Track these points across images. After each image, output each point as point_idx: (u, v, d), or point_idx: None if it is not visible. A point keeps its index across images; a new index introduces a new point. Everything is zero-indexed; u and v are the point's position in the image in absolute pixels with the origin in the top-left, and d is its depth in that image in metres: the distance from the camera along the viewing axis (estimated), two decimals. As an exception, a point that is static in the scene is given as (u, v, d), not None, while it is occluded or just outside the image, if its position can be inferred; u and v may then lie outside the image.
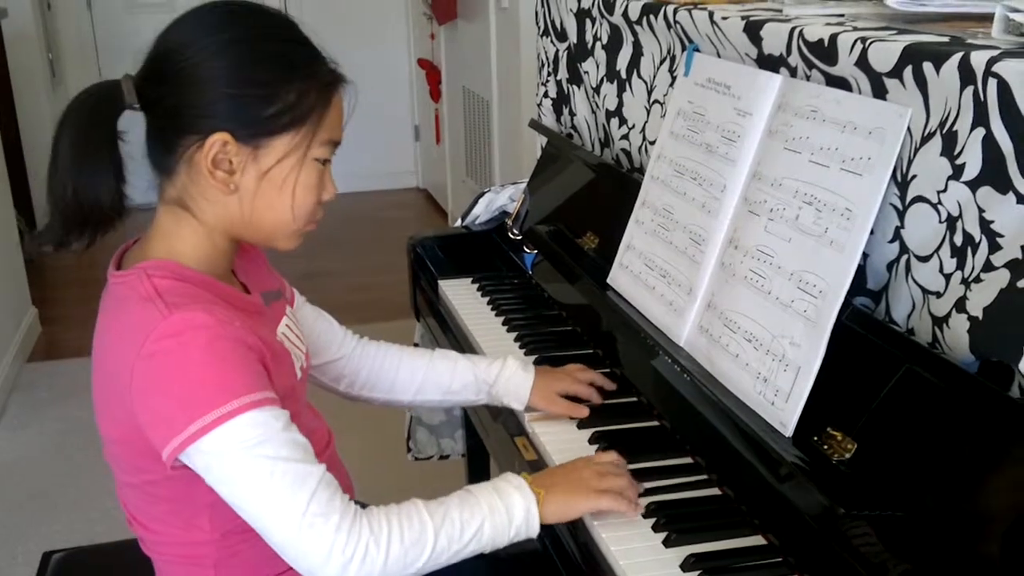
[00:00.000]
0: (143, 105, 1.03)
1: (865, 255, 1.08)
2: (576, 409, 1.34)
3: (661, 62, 1.57)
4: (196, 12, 1.04)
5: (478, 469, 2.05)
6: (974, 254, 0.95)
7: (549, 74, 2.02)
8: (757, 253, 1.17)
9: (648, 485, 1.16)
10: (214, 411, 0.95)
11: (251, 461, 0.97)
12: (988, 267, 0.93)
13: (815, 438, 1.04)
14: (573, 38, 1.89)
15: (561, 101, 1.99)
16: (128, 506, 1.14)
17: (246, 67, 1.02)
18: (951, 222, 0.98)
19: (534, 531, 1.09)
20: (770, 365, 1.11)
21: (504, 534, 1.07)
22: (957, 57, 0.94)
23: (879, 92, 1.06)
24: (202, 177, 1.03)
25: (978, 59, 0.92)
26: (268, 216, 1.06)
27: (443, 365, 1.38)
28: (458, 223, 2.06)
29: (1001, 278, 0.91)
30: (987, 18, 1.06)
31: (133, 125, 1.05)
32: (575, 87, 1.92)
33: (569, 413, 1.34)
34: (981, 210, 0.94)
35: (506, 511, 1.07)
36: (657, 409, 1.33)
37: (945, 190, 0.98)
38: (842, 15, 1.28)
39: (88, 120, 1.01)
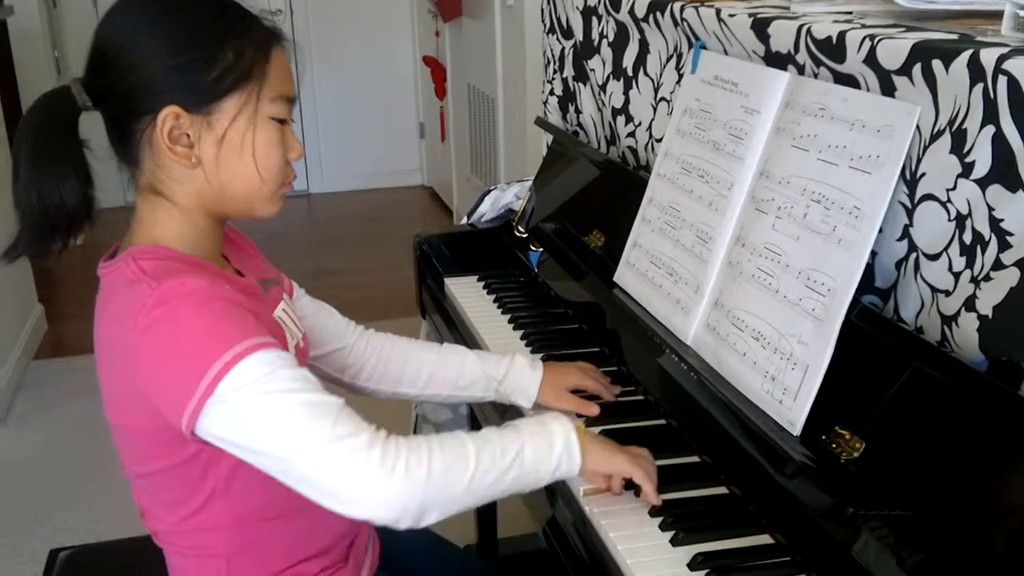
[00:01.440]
0: (95, 102, 1.04)
1: (873, 253, 1.07)
2: (586, 406, 1.33)
3: (668, 59, 1.57)
4: (123, 1, 1.05)
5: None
6: (983, 252, 0.95)
7: (555, 72, 2.02)
8: (765, 251, 1.17)
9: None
10: (218, 361, 0.95)
11: (265, 398, 0.96)
12: (998, 265, 0.92)
13: (823, 437, 1.03)
14: (579, 36, 1.88)
15: (567, 99, 1.99)
16: (141, 499, 1.14)
17: (179, 37, 1.02)
18: (960, 220, 0.98)
19: (575, 464, 1.08)
20: (778, 364, 1.11)
21: (545, 461, 1.06)
22: (967, 55, 0.94)
23: (888, 90, 1.06)
24: (164, 157, 1.03)
25: (988, 57, 0.91)
26: (237, 182, 1.06)
27: (452, 359, 1.37)
28: (464, 221, 2.06)
29: (1011, 277, 0.90)
30: (996, 15, 1.06)
31: (94, 132, 1.06)
32: (581, 85, 1.91)
33: (579, 409, 1.33)
34: (991, 208, 0.93)
35: (547, 436, 1.06)
36: (664, 408, 1.32)
37: (954, 188, 0.98)
38: (850, 12, 1.27)
39: (43, 126, 1.02)
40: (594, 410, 1.33)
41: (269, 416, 0.96)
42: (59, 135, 1.02)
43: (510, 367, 1.35)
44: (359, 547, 1.22)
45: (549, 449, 1.06)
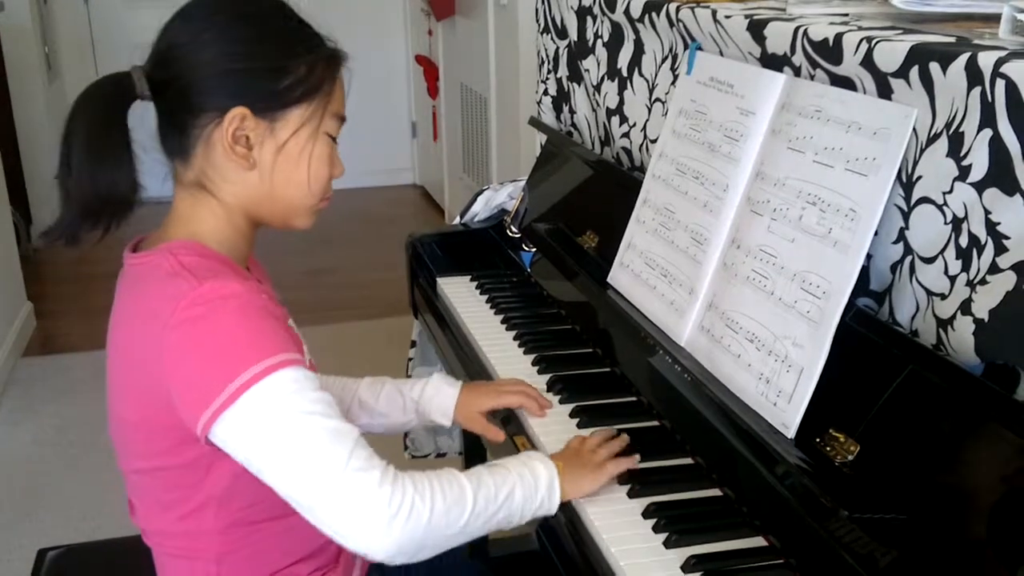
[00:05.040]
0: (154, 93, 1.05)
1: (869, 256, 1.07)
2: (492, 431, 1.35)
3: (663, 60, 1.57)
4: (197, 2, 1.07)
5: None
6: (980, 256, 0.94)
7: (549, 71, 2.02)
8: (760, 253, 1.17)
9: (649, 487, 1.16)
10: (250, 369, 0.95)
11: (288, 417, 0.96)
12: (994, 269, 0.92)
13: (818, 440, 1.03)
14: (574, 35, 1.88)
15: (561, 99, 1.99)
16: (133, 494, 1.14)
17: (255, 43, 1.05)
18: (956, 224, 0.98)
19: (555, 505, 1.11)
20: (772, 366, 1.10)
21: (532, 501, 1.09)
22: (964, 57, 0.94)
23: (884, 92, 1.06)
24: (220, 155, 1.05)
25: (986, 60, 0.91)
26: (287, 190, 1.09)
27: (369, 387, 1.38)
28: (456, 221, 2.05)
29: (1007, 280, 0.90)
30: (994, 18, 1.06)
31: (134, 121, 1.06)
32: (575, 85, 1.91)
33: (485, 433, 1.35)
34: (987, 212, 0.93)
35: (533, 478, 1.10)
36: (657, 409, 1.32)
37: (951, 191, 0.98)
38: (846, 14, 1.27)
39: (102, 112, 1.02)
40: (499, 437, 1.34)
41: (288, 436, 0.96)
42: (117, 121, 1.03)
43: (426, 386, 1.37)
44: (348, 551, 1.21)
45: (535, 491, 1.10)
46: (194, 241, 1.06)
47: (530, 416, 1.35)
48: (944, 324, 0.98)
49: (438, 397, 1.36)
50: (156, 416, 1.02)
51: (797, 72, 1.21)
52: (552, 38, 1.98)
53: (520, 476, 1.09)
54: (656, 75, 1.59)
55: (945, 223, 0.99)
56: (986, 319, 0.92)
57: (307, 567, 1.15)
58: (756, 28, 1.27)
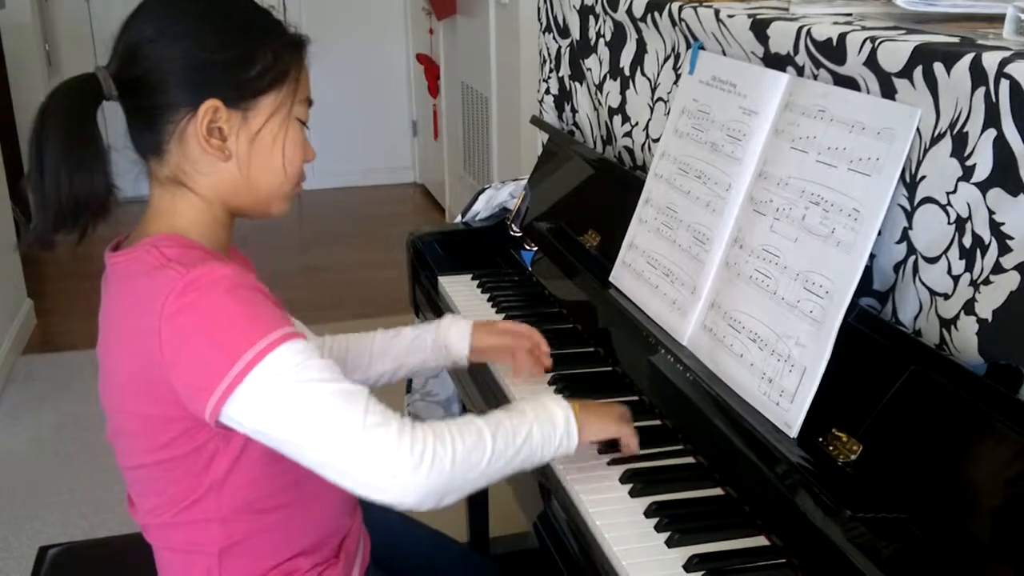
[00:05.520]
0: (121, 92, 1.05)
1: (872, 256, 1.07)
2: (517, 336, 1.39)
3: (665, 60, 1.57)
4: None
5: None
6: (983, 256, 0.94)
7: (551, 71, 2.02)
8: (763, 253, 1.17)
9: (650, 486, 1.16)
10: (252, 348, 0.96)
11: (299, 387, 0.97)
12: (998, 269, 0.92)
13: (820, 439, 1.03)
14: (576, 35, 1.88)
15: (563, 98, 1.98)
16: (133, 491, 1.14)
17: (219, 34, 1.06)
18: (960, 223, 0.98)
19: (574, 442, 1.13)
20: (775, 365, 1.10)
21: (551, 441, 1.11)
22: (968, 58, 0.94)
23: (888, 92, 1.06)
24: (194, 149, 1.05)
25: (990, 60, 0.91)
26: (263, 178, 1.10)
27: (385, 334, 1.41)
28: (458, 219, 2.05)
29: (1011, 280, 0.90)
30: (998, 19, 1.06)
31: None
32: (577, 84, 1.91)
33: (500, 355, 1.41)
34: (991, 212, 0.93)
35: (550, 417, 1.11)
36: (659, 409, 1.32)
37: (954, 191, 0.98)
38: (850, 14, 1.27)
39: (72, 114, 1.02)
40: (510, 359, 1.40)
41: (303, 405, 0.98)
42: (86, 123, 1.03)
43: (440, 321, 1.41)
44: (350, 543, 1.21)
45: (553, 430, 1.11)
46: (175, 234, 1.06)
47: None
48: (947, 324, 0.98)
49: (454, 327, 1.39)
50: (158, 410, 1.02)
51: (800, 72, 1.21)
52: (554, 37, 1.98)
53: (537, 417, 1.10)
54: (658, 74, 1.59)
55: (949, 223, 0.99)
56: (989, 319, 0.92)
57: (307, 562, 1.15)
58: (759, 28, 1.27)
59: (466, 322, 1.41)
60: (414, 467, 0.98)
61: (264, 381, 0.96)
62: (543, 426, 1.10)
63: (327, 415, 0.97)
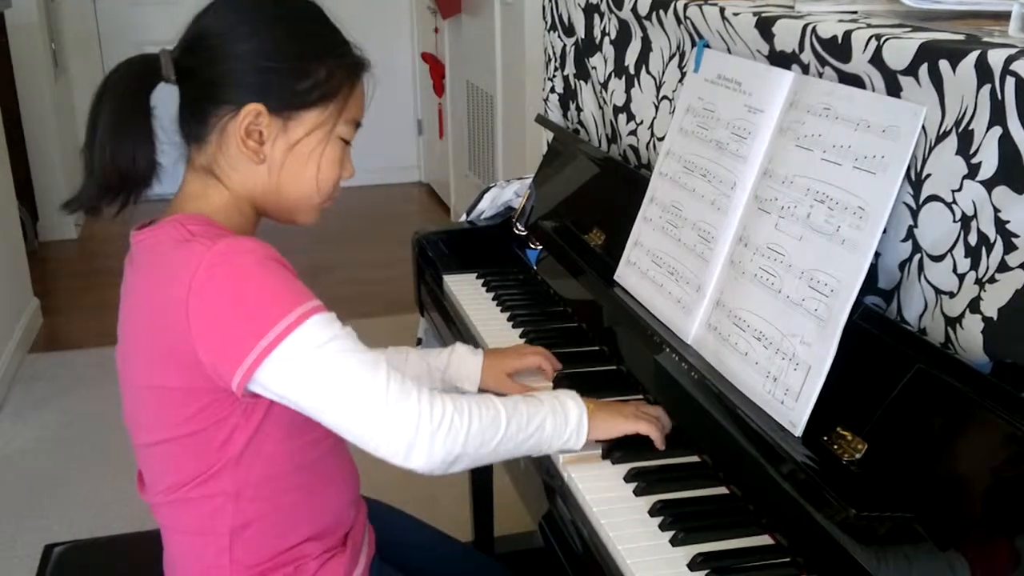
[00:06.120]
0: (179, 77, 1.08)
1: (877, 254, 1.07)
2: (520, 390, 1.38)
3: (670, 58, 1.57)
4: None
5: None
6: (989, 254, 0.94)
7: (556, 69, 2.02)
8: (767, 251, 1.17)
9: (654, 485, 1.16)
10: (282, 321, 1.00)
11: (328, 357, 1.02)
12: (1003, 267, 0.92)
13: (825, 438, 1.03)
14: (581, 33, 1.88)
15: (568, 96, 1.98)
16: (146, 469, 1.15)
17: (281, 43, 1.09)
18: (966, 222, 0.97)
19: (582, 440, 1.17)
20: (780, 364, 1.10)
21: (560, 435, 1.16)
22: (974, 55, 0.93)
23: (893, 90, 1.05)
24: (232, 146, 1.09)
25: (996, 58, 0.91)
26: (293, 188, 1.12)
27: (394, 358, 1.42)
28: (463, 218, 2.05)
29: (1016, 279, 0.90)
30: (1003, 16, 1.06)
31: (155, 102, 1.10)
32: (582, 82, 1.91)
33: (514, 394, 1.36)
34: (996, 210, 0.93)
35: (564, 413, 1.16)
36: (664, 407, 1.32)
37: (960, 189, 0.97)
38: (855, 12, 1.27)
39: (128, 90, 1.06)
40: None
41: (329, 375, 1.02)
42: (140, 99, 1.07)
43: (451, 355, 1.42)
44: (356, 533, 1.23)
45: (565, 425, 1.16)
46: (201, 215, 1.09)
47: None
48: (952, 322, 0.98)
49: (464, 365, 1.42)
50: (182, 382, 1.04)
51: (805, 70, 1.20)
52: (559, 35, 1.98)
53: (552, 410, 1.15)
54: (663, 73, 1.59)
55: (954, 221, 0.99)
56: (995, 317, 0.92)
57: (317, 547, 1.16)
58: (764, 25, 1.27)
59: (477, 361, 1.42)
60: (432, 432, 1.03)
61: (294, 353, 1.00)
62: (556, 419, 1.15)
63: (353, 384, 1.02)
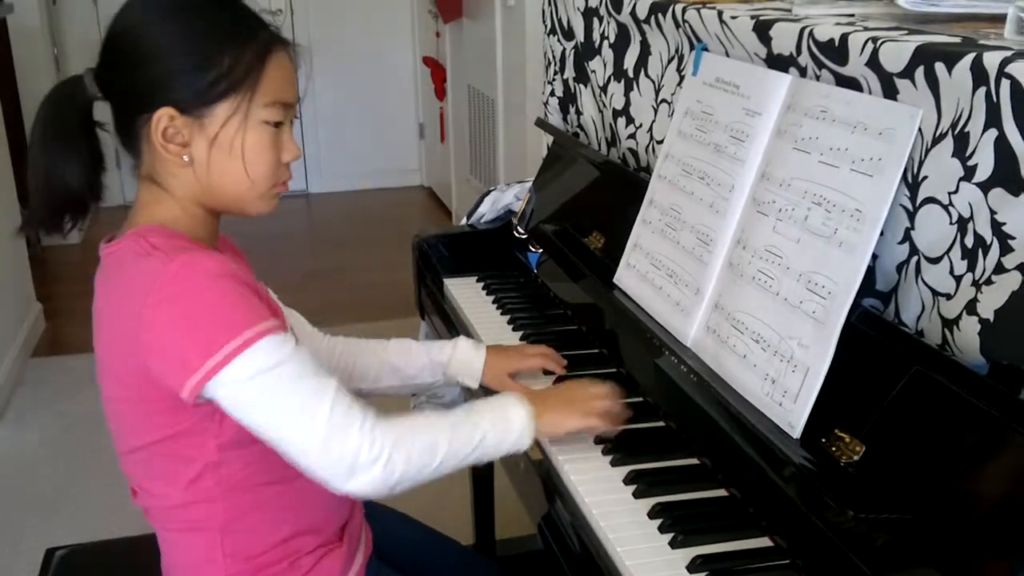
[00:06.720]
0: (104, 94, 1.08)
1: (874, 256, 1.07)
2: (520, 389, 1.37)
3: (669, 61, 1.57)
4: None
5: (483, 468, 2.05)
6: (985, 256, 0.94)
7: (556, 73, 2.02)
8: (765, 254, 1.17)
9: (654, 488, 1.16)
10: (228, 344, 0.99)
11: (271, 384, 1.01)
12: (999, 269, 0.92)
13: (823, 440, 1.03)
14: (580, 37, 1.88)
15: (568, 100, 1.99)
16: (133, 476, 1.16)
17: (179, 41, 1.06)
18: (962, 224, 0.98)
19: (526, 444, 1.18)
20: (778, 366, 1.10)
21: (503, 443, 1.16)
22: (970, 58, 0.94)
23: (890, 92, 1.06)
24: (161, 153, 1.07)
25: (991, 60, 0.91)
26: (226, 182, 1.10)
27: (398, 350, 1.43)
28: (463, 222, 2.05)
29: (1012, 280, 0.90)
30: (999, 19, 1.06)
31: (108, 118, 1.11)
32: (582, 86, 1.91)
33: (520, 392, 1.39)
34: (993, 212, 0.93)
35: (506, 423, 1.16)
36: (663, 409, 1.32)
37: (956, 191, 0.98)
38: (852, 15, 1.27)
39: (55, 112, 1.07)
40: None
41: (273, 400, 1.02)
42: (70, 120, 1.07)
43: (454, 351, 1.43)
44: (353, 529, 1.24)
45: (507, 434, 1.16)
46: (159, 225, 1.08)
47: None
48: (950, 324, 0.98)
49: (466, 361, 1.42)
50: (143, 392, 1.05)
51: (803, 73, 1.21)
52: (559, 39, 1.99)
53: (493, 424, 1.15)
54: (662, 76, 1.59)
55: (951, 223, 0.99)
56: (991, 319, 0.92)
57: (312, 541, 1.17)
58: (762, 29, 1.27)
59: (479, 358, 1.42)
60: (369, 463, 1.03)
61: (239, 375, 1.00)
62: (497, 431, 1.15)
63: (295, 411, 1.02)
